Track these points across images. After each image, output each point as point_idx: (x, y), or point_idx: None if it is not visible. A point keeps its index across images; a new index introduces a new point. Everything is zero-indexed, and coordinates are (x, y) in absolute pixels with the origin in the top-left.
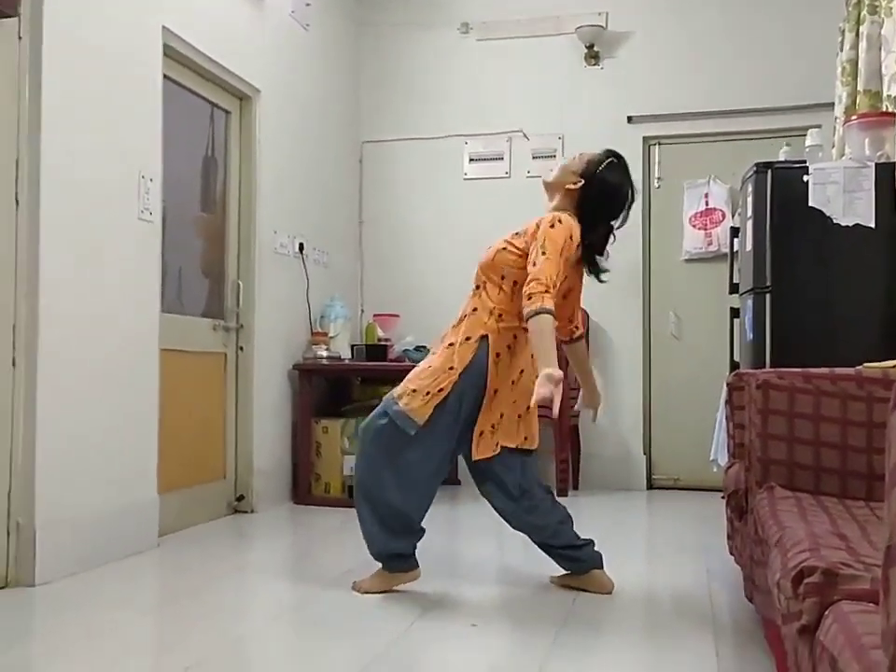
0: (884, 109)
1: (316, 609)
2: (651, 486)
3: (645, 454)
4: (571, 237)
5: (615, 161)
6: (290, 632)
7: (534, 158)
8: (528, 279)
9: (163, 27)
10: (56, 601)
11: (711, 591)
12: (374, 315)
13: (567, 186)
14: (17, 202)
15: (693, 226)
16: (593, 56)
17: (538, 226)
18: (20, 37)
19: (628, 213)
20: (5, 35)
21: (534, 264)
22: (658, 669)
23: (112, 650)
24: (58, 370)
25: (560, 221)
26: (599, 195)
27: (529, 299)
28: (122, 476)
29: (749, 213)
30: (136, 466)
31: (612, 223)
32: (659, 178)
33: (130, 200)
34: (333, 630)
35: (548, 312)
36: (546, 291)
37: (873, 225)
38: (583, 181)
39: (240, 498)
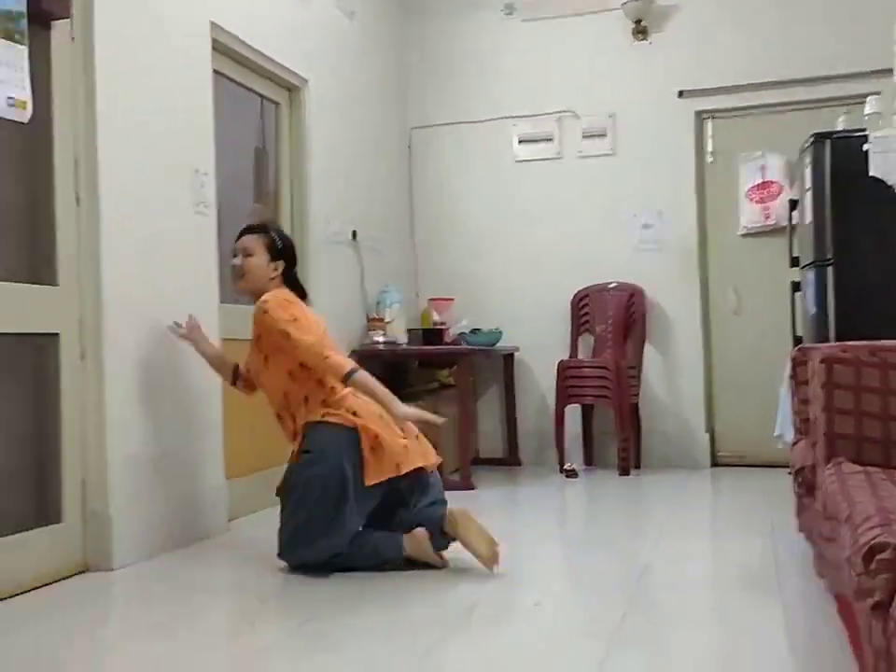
0: None
1: (379, 587)
2: (715, 464)
3: (707, 431)
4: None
5: (273, 227)
6: (355, 611)
7: (585, 137)
8: None
9: (211, 22)
10: (133, 585)
11: (780, 568)
12: (429, 300)
13: (270, 277)
14: (77, 200)
15: (750, 200)
16: (640, 31)
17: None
18: (72, 38)
19: None
20: (59, 37)
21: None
22: (727, 647)
23: (189, 630)
24: (124, 361)
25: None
26: (292, 251)
27: None
28: (191, 463)
29: (808, 184)
30: (204, 452)
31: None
32: (712, 153)
33: (185, 195)
34: (397, 609)
35: None
36: None
37: None
38: (280, 259)
39: None
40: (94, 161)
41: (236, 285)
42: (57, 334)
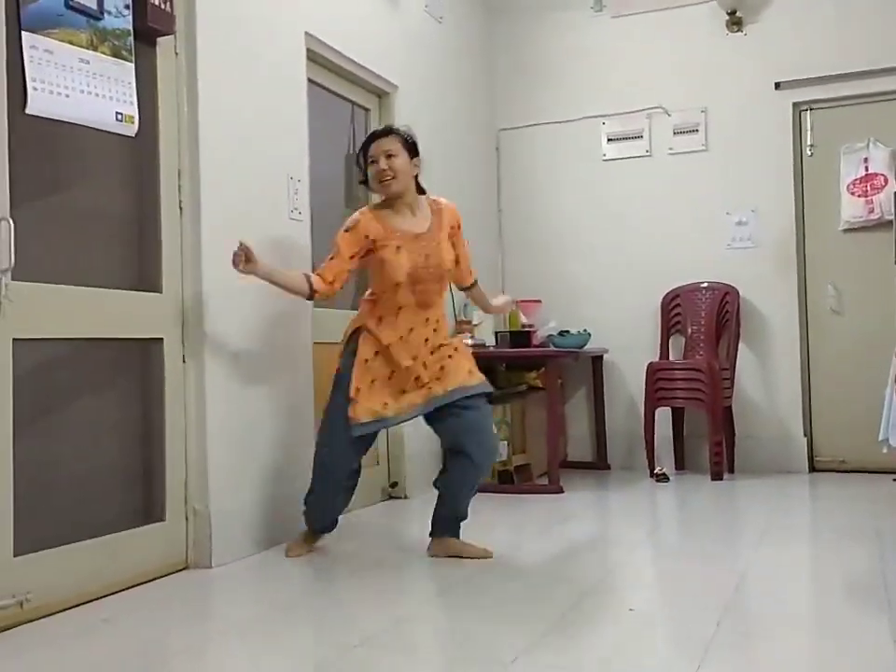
0: None
1: (470, 591)
2: (813, 469)
3: (806, 435)
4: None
5: (397, 127)
6: (445, 614)
7: (675, 134)
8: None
9: (306, 33)
10: (233, 582)
11: (887, 578)
12: (517, 302)
13: (413, 175)
14: (181, 208)
15: (852, 193)
16: (735, 22)
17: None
18: (176, 53)
19: None
20: (164, 52)
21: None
22: (829, 660)
23: (285, 626)
24: (224, 365)
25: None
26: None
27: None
28: (288, 462)
29: None
30: (295, 454)
31: None
32: (811, 146)
33: (281, 201)
34: (486, 613)
35: None
36: None
37: None
38: (417, 156)
39: (393, 485)
40: (197, 170)
41: (386, 188)
42: (161, 339)
